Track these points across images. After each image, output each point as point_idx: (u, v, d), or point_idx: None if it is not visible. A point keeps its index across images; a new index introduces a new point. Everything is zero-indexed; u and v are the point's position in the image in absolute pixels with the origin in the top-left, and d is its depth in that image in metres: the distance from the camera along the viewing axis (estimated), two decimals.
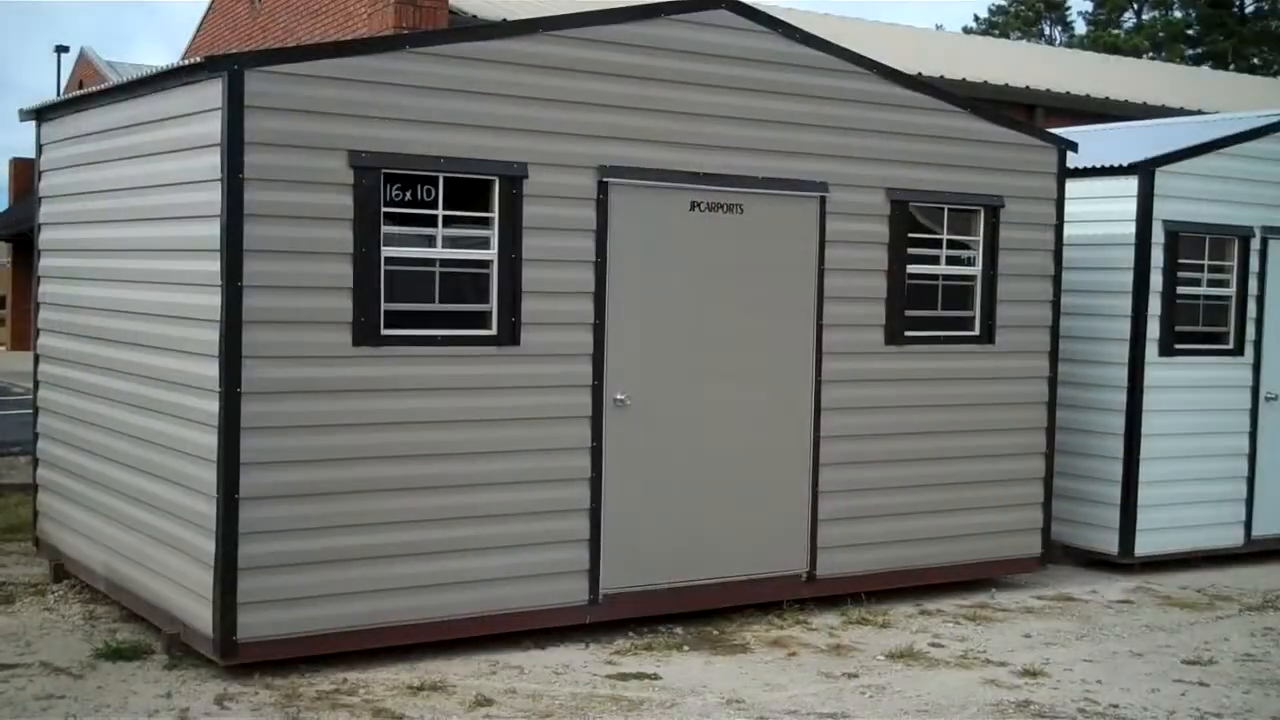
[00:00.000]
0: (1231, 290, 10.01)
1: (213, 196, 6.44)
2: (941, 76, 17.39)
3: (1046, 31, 44.72)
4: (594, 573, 7.39)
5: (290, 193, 6.48)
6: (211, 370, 6.46)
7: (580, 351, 7.30)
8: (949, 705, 6.47)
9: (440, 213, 6.90)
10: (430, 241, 6.88)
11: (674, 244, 7.57)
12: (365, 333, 6.69)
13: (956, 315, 8.72)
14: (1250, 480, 10.16)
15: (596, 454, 7.35)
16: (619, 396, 7.41)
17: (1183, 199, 9.64)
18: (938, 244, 8.57)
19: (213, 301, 6.45)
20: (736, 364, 7.82)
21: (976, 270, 8.72)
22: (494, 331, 7.06)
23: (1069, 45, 41.60)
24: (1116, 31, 43.18)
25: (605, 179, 7.29)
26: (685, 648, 7.29)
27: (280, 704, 6.14)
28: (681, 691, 6.53)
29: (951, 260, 8.67)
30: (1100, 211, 9.71)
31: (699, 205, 7.63)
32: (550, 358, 7.21)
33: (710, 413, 7.75)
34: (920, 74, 16.93)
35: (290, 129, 6.46)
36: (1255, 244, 10.05)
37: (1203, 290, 9.90)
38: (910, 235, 8.39)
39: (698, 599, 7.78)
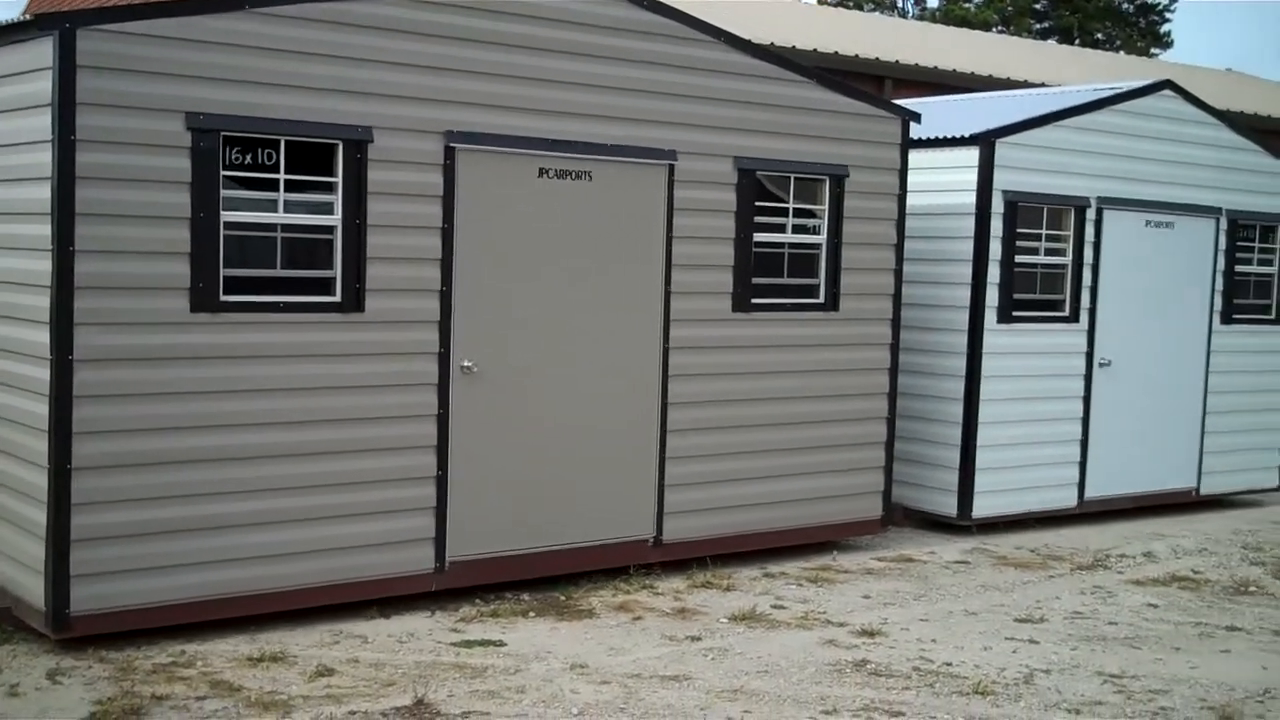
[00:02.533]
0: (1068, 259, 10.39)
1: (43, 158, 6.27)
2: (793, 47, 17.61)
3: (899, 5, 45.55)
4: (440, 540, 7.42)
5: (124, 155, 6.33)
6: (42, 337, 6.31)
7: (427, 318, 7.29)
8: (788, 665, 6.66)
9: (282, 177, 6.81)
10: (272, 206, 6.80)
11: (523, 210, 7.59)
12: (204, 299, 6.59)
13: (802, 283, 8.91)
14: (1084, 444, 10.59)
15: (443, 421, 7.36)
16: (466, 363, 7.43)
17: (1022, 170, 9.96)
18: (784, 212, 8.74)
19: (44, 266, 6.29)
20: (585, 331, 7.89)
21: (822, 239, 8.91)
22: (338, 298, 7.01)
23: (921, 18, 42.43)
24: (967, 5, 44.16)
25: (452, 144, 7.27)
26: (532, 614, 7.37)
27: (115, 677, 6.06)
28: (526, 657, 6.61)
29: (798, 229, 8.84)
30: (943, 181, 9.99)
31: (548, 172, 7.66)
32: (396, 325, 7.18)
33: (559, 380, 7.81)
34: (772, 44, 17.13)
35: (124, 90, 6.31)
36: (1091, 214, 10.43)
37: (1040, 259, 10.26)
38: (758, 204, 8.54)
39: (545, 565, 7.86)
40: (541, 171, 7.63)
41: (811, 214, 8.92)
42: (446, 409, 7.37)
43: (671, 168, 8.10)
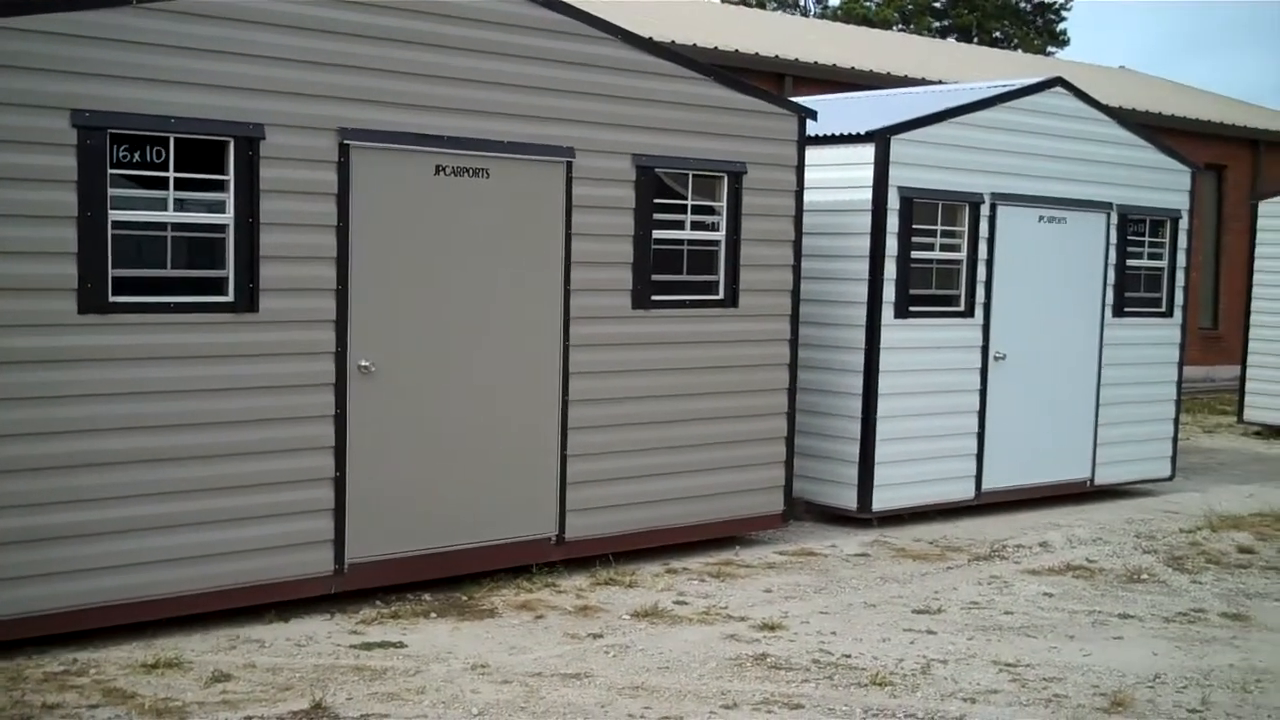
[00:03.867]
0: (963, 255, 10.61)
1: None
2: (694, 45, 17.73)
3: (800, 3, 45.97)
4: (339, 542, 7.39)
5: (7, 153, 6.23)
6: None
7: (322, 318, 7.26)
8: (689, 661, 6.74)
9: (172, 175, 6.74)
10: (162, 205, 6.72)
11: (419, 208, 7.58)
12: (92, 300, 6.51)
13: (702, 279, 9.01)
14: (980, 437, 10.82)
15: (340, 422, 7.34)
16: (363, 363, 7.41)
17: (917, 166, 10.15)
18: (683, 209, 8.83)
19: None
20: (485, 329, 7.91)
21: (721, 235, 9.01)
22: (231, 298, 6.96)
23: (822, 17, 42.87)
24: (868, 4, 44.70)
25: (347, 141, 7.25)
26: (433, 615, 7.37)
27: (4, 687, 5.96)
28: (426, 658, 6.61)
29: (697, 225, 8.94)
30: (839, 178, 10.15)
31: (444, 169, 7.66)
32: (291, 324, 7.14)
33: (458, 378, 7.82)
34: (672, 42, 17.23)
35: (7, 86, 6.21)
36: (985, 210, 10.66)
37: (936, 255, 10.47)
38: (656, 200, 8.62)
39: (447, 565, 7.86)
40: (438, 169, 7.63)
41: (710, 211, 9.02)
42: (344, 409, 7.34)
43: (570, 165, 8.14)
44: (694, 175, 8.85)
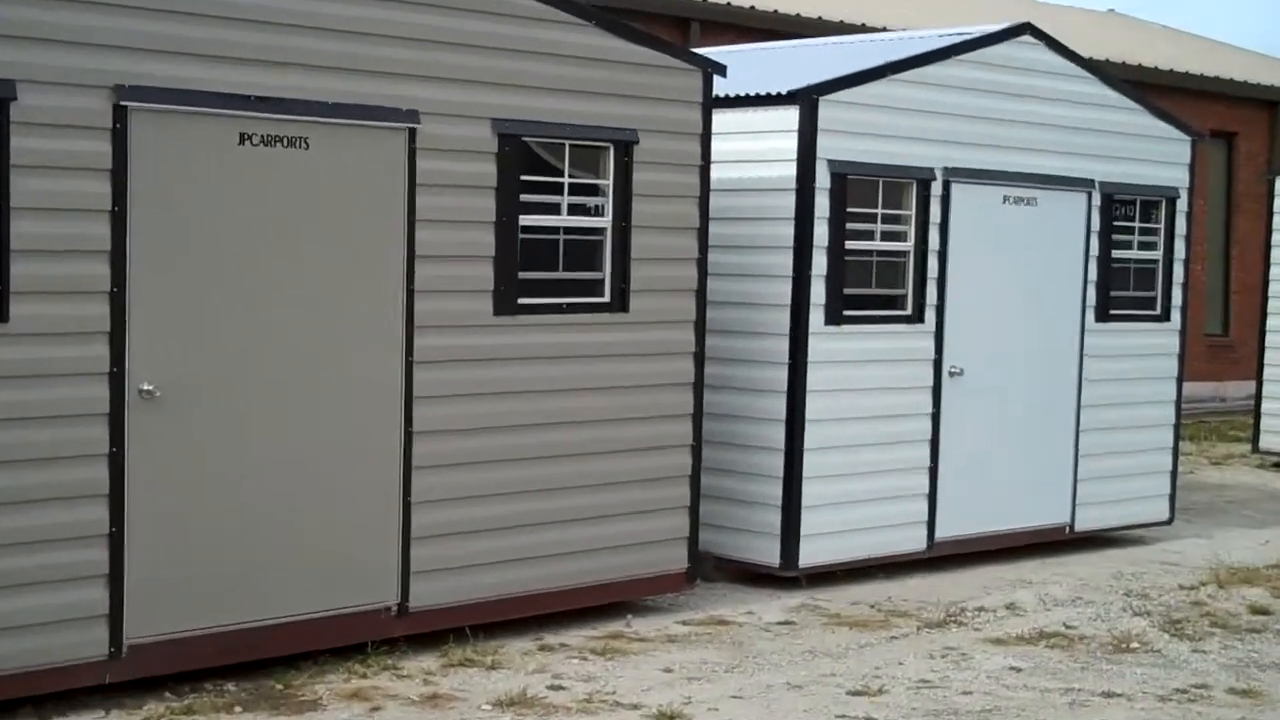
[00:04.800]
0: (909, 245, 10.82)
1: None
2: None
3: None
4: (116, 618, 7.33)
5: None
6: None
7: (92, 329, 7.20)
8: None
9: None
10: None
11: (219, 187, 7.55)
12: None
13: (583, 278, 9.08)
14: (933, 472, 11.03)
15: (117, 462, 7.28)
16: (146, 387, 7.36)
17: (852, 134, 10.33)
18: (559, 189, 8.90)
19: None
20: (304, 342, 7.89)
21: (606, 221, 9.10)
22: None
23: None
24: None
25: (124, 102, 7.21)
26: (238, 709, 7.34)
27: None
28: None
29: (576, 209, 9.01)
30: (756, 150, 10.29)
31: (251, 138, 7.65)
32: (48, 337, 7.07)
33: (270, 406, 7.80)
34: None
35: None
36: (936, 189, 10.88)
37: (876, 245, 10.66)
38: (525, 178, 8.68)
39: (256, 646, 7.83)
40: (243, 138, 7.62)
41: (593, 191, 9.10)
42: (121, 447, 7.29)
43: (412, 132, 8.17)
44: (572, 146, 8.92)
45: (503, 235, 8.58)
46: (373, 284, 8.12)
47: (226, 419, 7.65)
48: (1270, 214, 17.35)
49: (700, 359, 9.56)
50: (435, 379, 8.37)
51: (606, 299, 9.13)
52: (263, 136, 7.68)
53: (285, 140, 7.75)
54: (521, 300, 8.71)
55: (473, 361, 8.54)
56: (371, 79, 8.00)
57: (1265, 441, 17.32)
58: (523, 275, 8.72)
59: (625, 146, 9.08)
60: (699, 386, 9.56)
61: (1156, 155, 12.42)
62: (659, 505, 9.42)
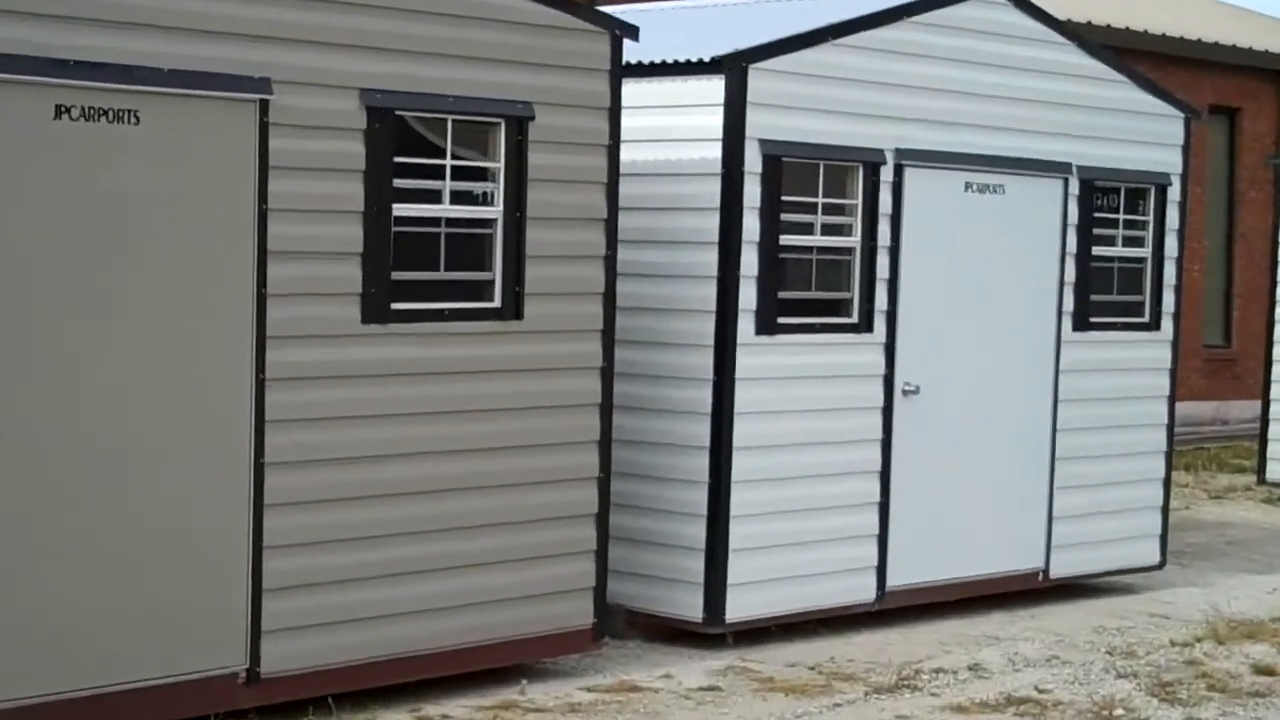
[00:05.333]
0: (856, 240, 10.91)
1: None
2: None
3: None
4: None
5: None
6: None
7: None
8: None
9: None
10: None
11: (31, 171, 7.48)
12: None
13: (469, 279, 9.09)
14: (884, 509, 11.12)
15: None
16: None
17: (787, 109, 10.41)
18: (441, 173, 8.90)
19: None
20: (125, 354, 7.81)
21: (497, 212, 9.11)
22: None
23: None
24: None
25: None
26: None
27: None
28: None
29: (461, 198, 9.02)
30: (674, 127, 10.36)
31: (67, 111, 7.59)
32: None
33: (89, 430, 7.73)
34: None
35: None
36: (887, 174, 10.98)
37: (817, 240, 10.75)
38: (400, 159, 8.67)
39: (78, 718, 7.77)
40: (59, 111, 7.56)
41: (481, 175, 9.11)
42: None
43: (264, 104, 8.15)
44: (456, 121, 8.92)
45: (373, 228, 8.57)
46: (217, 286, 8.08)
47: (38, 446, 7.56)
48: (1278, 204, 17.56)
49: (609, 375, 9.60)
50: (292, 400, 8.34)
51: (497, 304, 9.14)
52: (83, 109, 7.62)
53: (110, 114, 7.70)
54: (395, 305, 8.71)
55: (337, 379, 8.52)
56: (215, 41, 7.98)
57: (1273, 472, 17.54)
58: (397, 276, 8.71)
59: (519, 123, 9.10)
60: (607, 408, 9.59)
61: (1145, 135, 12.61)
62: (559, 550, 9.43)
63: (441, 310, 8.92)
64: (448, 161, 8.94)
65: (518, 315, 9.20)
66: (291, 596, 8.40)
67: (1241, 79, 25.65)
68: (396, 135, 8.68)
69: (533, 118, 9.13)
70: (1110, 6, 25.17)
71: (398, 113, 8.66)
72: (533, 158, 9.18)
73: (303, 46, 8.27)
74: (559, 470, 9.41)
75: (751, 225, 10.26)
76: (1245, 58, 25.52)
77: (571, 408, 9.46)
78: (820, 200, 10.73)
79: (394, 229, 8.68)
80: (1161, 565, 13.04)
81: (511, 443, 9.20)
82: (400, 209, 8.70)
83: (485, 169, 9.12)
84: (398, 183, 8.69)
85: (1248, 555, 14.52)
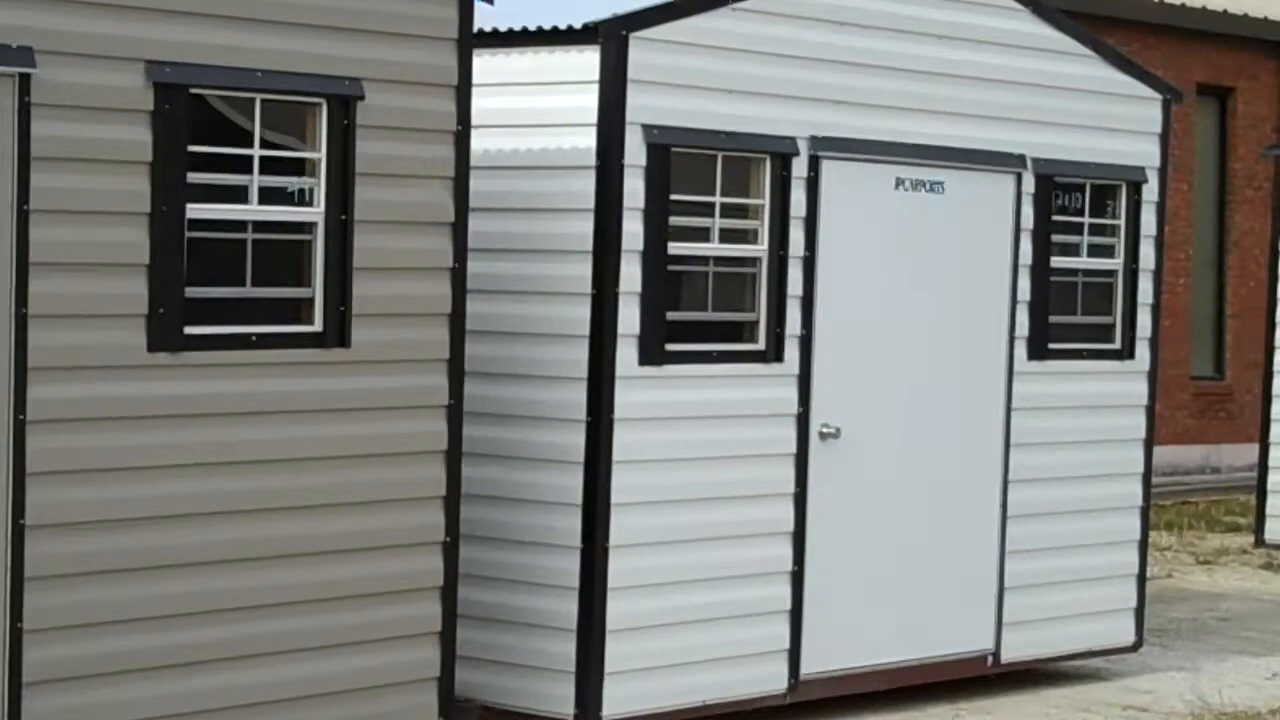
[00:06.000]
0: (762, 248, 10.96)
1: None
2: None
3: None
4: None
5: None
6: None
7: None
8: None
9: None
10: None
11: None
12: None
13: (283, 296, 9.06)
14: (797, 579, 11.16)
15: None
16: None
17: (678, 88, 10.45)
18: (248, 165, 8.86)
19: None
20: None
21: (317, 213, 9.08)
22: None
23: None
24: None
25: None
26: None
27: None
28: None
29: (272, 196, 8.97)
30: (538, 110, 10.39)
31: None
32: None
33: None
34: None
35: None
36: (800, 167, 11.03)
37: (714, 248, 10.78)
38: (197, 149, 8.62)
39: None
40: None
41: (298, 169, 9.08)
42: None
43: (24, 79, 8.07)
44: (265, 102, 8.88)
45: (162, 233, 8.51)
46: None
47: None
48: (1278, 204, 17.72)
49: (456, 415, 9.58)
50: (61, 446, 8.28)
51: (317, 328, 9.10)
52: None
53: None
54: (190, 330, 8.66)
55: (118, 420, 8.46)
56: None
57: (1273, 531, 17.70)
58: (192, 293, 8.67)
59: (344, 103, 9.08)
60: (455, 456, 9.57)
61: (1115, 121, 12.74)
62: (396, 631, 9.39)
63: (248, 335, 8.86)
64: (255, 151, 8.89)
65: (343, 342, 9.16)
66: (53, 692, 8.32)
67: (1235, 53, 25.93)
68: (192, 119, 8.62)
69: (361, 97, 9.11)
70: None
71: (193, 91, 8.61)
72: (361, 147, 9.15)
73: (74, 9, 8.23)
74: (394, 533, 9.37)
75: (633, 230, 10.29)
76: (1239, 26, 25.77)
77: (410, 455, 9.43)
78: (718, 200, 10.77)
79: (189, 235, 8.62)
80: (1137, 646, 13.15)
81: (335, 499, 9.15)
82: (196, 210, 8.65)
83: (303, 160, 9.09)
84: (193, 177, 8.63)
85: (1242, 633, 14.66)
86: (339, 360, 9.17)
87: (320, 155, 9.09)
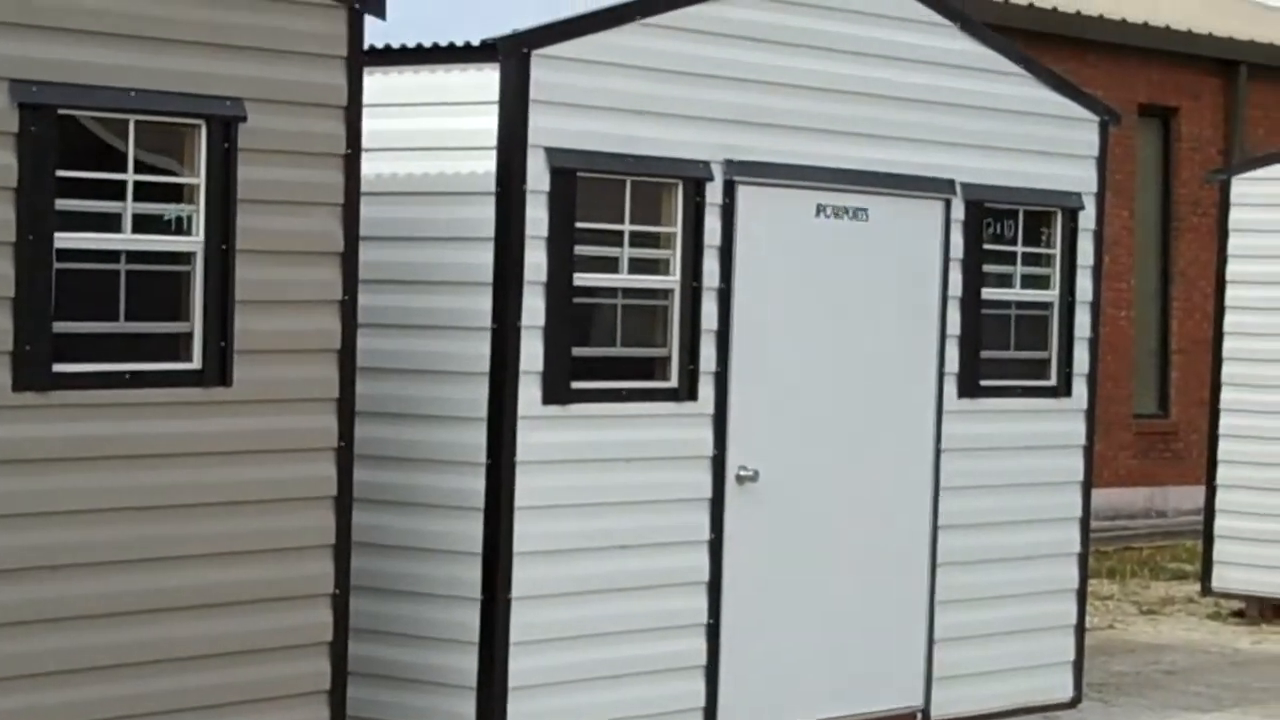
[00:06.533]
0: (674, 279, 10.97)
1: None
2: None
3: None
4: None
5: None
6: None
7: None
8: None
9: None
10: None
11: None
12: None
13: (159, 331, 9.01)
14: (713, 632, 11.16)
15: None
16: None
17: (584, 109, 10.46)
18: (121, 191, 8.80)
19: None
20: None
21: (196, 242, 9.04)
22: None
23: None
24: None
25: None
26: None
27: None
28: None
29: (148, 224, 8.91)
30: (434, 132, 10.39)
31: None
32: None
33: None
34: None
35: None
36: (714, 193, 11.06)
37: (623, 280, 10.80)
38: (66, 174, 8.55)
39: None
40: None
41: (175, 195, 9.04)
42: None
43: None
44: (139, 124, 8.85)
45: (28, 264, 8.46)
46: None
47: None
48: (1222, 233, 17.86)
49: (347, 458, 9.55)
50: None
51: (196, 365, 9.06)
52: None
53: None
54: (60, 368, 8.60)
55: None
56: None
57: (1221, 579, 17.78)
58: (61, 328, 8.61)
59: (225, 125, 9.04)
60: (345, 502, 9.53)
61: (1049, 144, 12.83)
62: (283, 689, 9.34)
63: (122, 374, 8.81)
64: (129, 176, 8.85)
65: (224, 380, 9.12)
66: None
67: (1180, 72, 26.13)
68: (61, 142, 8.59)
69: (243, 118, 9.09)
70: None
71: (61, 112, 8.57)
72: (244, 171, 9.12)
73: None
74: (279, 585, 9.32)
75: (536, 260, 10.29)
76: (1184, 43, 25.98)
77: (297, 501, 9.39)
78: (627, 228, 10.78)
79: (57, 265, 8.58)
80: (1076, 702, 13.21)
81: (215, 548, 9.09)
82: (66, 239, 8.60)
83: (181, 186, 9.05)
84: (62, 204, 8.58)
85: (1189, 688, 14.73)
86: (220, 400, 9.12)
87: (199, 180, 9.05)
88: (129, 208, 8.86)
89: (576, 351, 10.53)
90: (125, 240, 8.86)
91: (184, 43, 8.91)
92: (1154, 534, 23.76)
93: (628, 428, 10.80)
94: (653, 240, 10.93)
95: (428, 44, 10.38)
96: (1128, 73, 24.96)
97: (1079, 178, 13.04)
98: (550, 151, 10.31)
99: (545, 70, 10.28)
